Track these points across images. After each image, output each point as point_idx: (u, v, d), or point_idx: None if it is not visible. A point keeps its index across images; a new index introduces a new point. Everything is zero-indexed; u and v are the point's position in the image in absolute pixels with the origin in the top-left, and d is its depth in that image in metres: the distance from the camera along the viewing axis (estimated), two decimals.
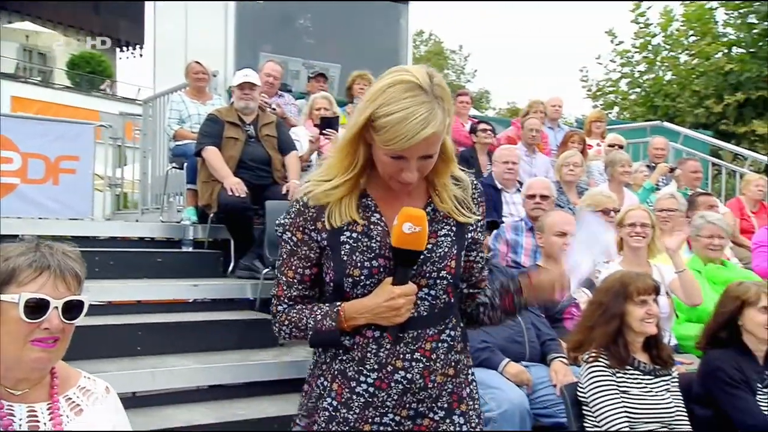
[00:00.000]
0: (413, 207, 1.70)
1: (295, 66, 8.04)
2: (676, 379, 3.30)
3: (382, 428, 1.74)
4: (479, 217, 1.87)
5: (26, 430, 1.78)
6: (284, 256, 1.82)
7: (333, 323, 1.71)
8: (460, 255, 1.80)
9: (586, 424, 3.26)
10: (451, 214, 1.80)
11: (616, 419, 3.10)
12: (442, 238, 1.77)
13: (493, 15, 59.83)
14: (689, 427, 3.24)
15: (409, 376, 1.72)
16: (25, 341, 1.75)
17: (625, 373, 3.19)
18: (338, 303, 1.75)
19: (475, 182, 1.88)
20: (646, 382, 3.20)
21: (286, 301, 1.82)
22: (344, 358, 1.77)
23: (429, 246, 1.71)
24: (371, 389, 1.73)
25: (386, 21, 8.77)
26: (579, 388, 3.27)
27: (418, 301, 1.72)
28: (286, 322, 1.80)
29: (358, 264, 1.72)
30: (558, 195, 5.73)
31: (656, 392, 3.21)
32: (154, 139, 8.14)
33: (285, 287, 1.82)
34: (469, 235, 1.84)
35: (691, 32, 14.27)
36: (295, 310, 1.80)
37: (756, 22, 13.33)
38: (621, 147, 7.51)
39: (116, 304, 4.82)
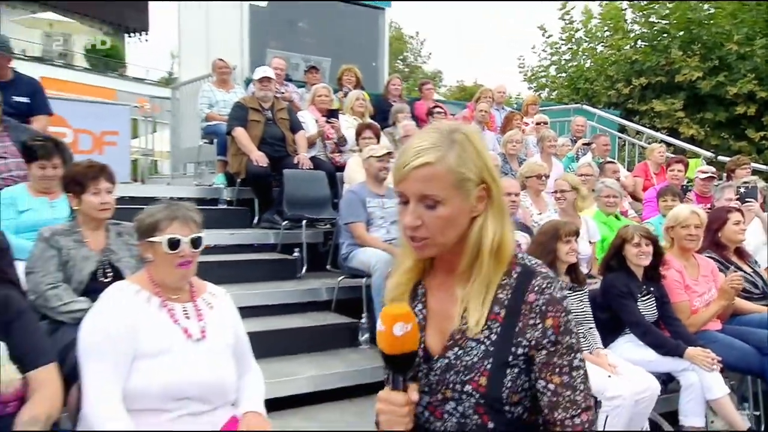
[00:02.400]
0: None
1: (295, 60, 8.18)
2: (587, 294, 3.77)
3: None
4: (540, 333, 1.21)
5: (182, 318, 2.33)
6: None
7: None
8: (499, 372, 1.20)
9: None
10: (473, 329, 1.23)
11: None
12: (473, 345, 1.23)
13: (445, 7, 59.23)
14: (593, 325, 3.70)
15: None
16: (172, 265, 2.30)
17: None
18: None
19: (542, 285, 1.24)
20: (568, 294, 3.72)
21: None
22: None
23: (458, 351, 1.24)
24: None
25: (368, 22, 8.85)
26: None
27: (446, 415, 1.24)
28: None
29: None
30: (503, 164, 6.22)
31: (574, 302, 3.62)
32: (182, 117, 8.41)
33: None
34: (521, 350, 1.21)
35: (606, 28, 14.47)
36: None
37: (656, 21, 13.75)
38: (546, 124, 7.72)
39: None
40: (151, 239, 2.31)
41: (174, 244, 2.27)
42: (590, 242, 4.85)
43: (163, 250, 2.27)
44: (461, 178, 1.21)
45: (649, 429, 3.59)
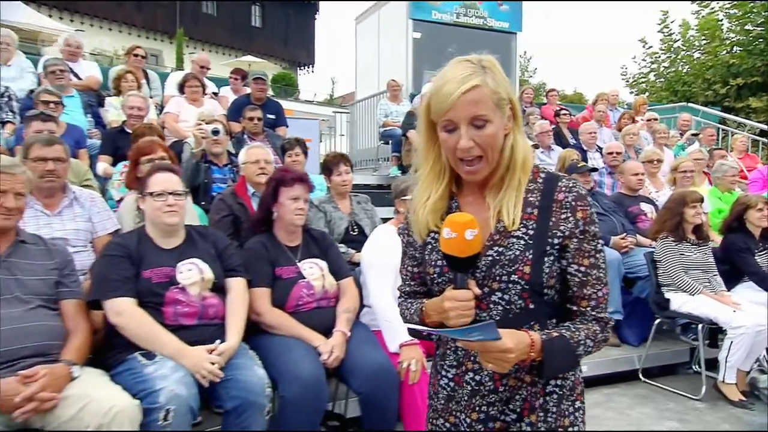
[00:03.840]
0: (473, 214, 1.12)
1: None
2: (710, 248, 3.79)
3: (464, 425, 1.24)
4: (573, 224, 1.16)
5: None
6: (402, 257, 1.36)
7: (417, 318, 1.27)
8: (539, 261, 1.14)
9: (658, 272, 3.76)
10: (510, 227, 1.16)
11: (676, 268, 3.64)
12: (514, 240, 1.15)
13: (549, 26, 57.07)
14: (717, 272, 3.72)
15: (477, 378, 1.20)
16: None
17: (683, 245, 3.68)
18: (425, 300, 1.26)
19: (569, 185, 1.18)
20: (694, 248, 3.70)
21: (402, 295, 1.36)
22: (437, 353, 1.32)
23: (499, 249, 1.16)
24: (451, 384, 1.25)
25: (503, 44, 8.84)
26: (654, 254, 3.78)
27: (491, 305, 1.17)
28: (402, 313, 1.34)
29: (432, 262, 1.23)
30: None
31: (698, 254, 3.70)
32: (358, 126, 9.04)
33: (402, 283, 1.36)
34: (556, 240, 1.16)
35: (703, 38, 13.61)
36: (405, 304, 1.33)
37: (751, 28, 12.63)
38: (656, 120, 7.40)
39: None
40: (403, 198, 2.81)
41: None
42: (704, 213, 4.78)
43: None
44: (499, 98, 1.13)
45: (766, 356, 3.62)
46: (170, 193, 2.25)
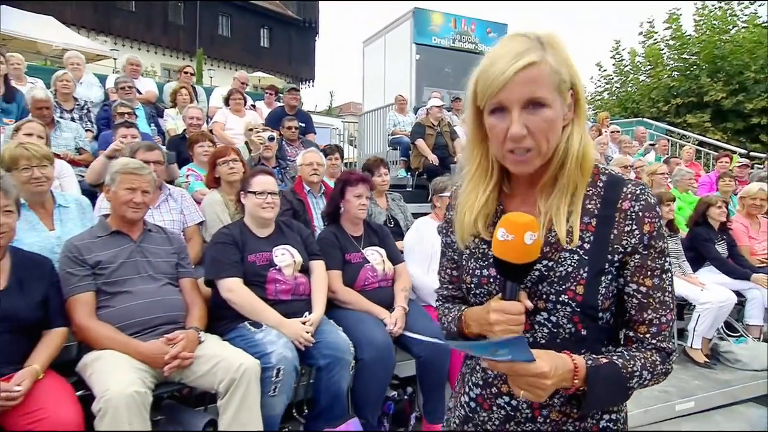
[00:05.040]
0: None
1: (443, 93, 8.54)
2: (679, 238, 3.90)
3: None
4: (637, 239, 0.85)
5: None
6: (440, 257, 1.07)
7: (455, 327, 0.98)
8: (595, 280, 0.85)
9: None
10: (561, 240, 0.86)
11: None
12: (566, 255, 0.86)
13: None
14: (685, 258, 3.82)
15: (513, 402, 0.92)
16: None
17: None
18: (464, 307, 0.98)
19: (636, 192, 0.87)
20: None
21: (440, 298, 1.07)
22: (466, 362, 1.04)
23: (548, 263, 0.87)
24: (472, 404, 0.97)
25: None
26: None
27: (536, 326, 0.88)
28: (440, 318, 1.05)
29: (470, 271, 0.95)
30: None
31: (671, 244, 3.72)
32: (366, 134, 8.96)
33: (439, 286, 1.07)
34: (617, 257, 0.86)
35: (648, 63, 13.98)
36: (443, 308, 1.04)
37: (687, 57, 13.05)
38: (619, 132, 7.58)
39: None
40: (441, 194, 2.90)
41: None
42: None
43: (449, 201, 2.84)
44: (560, 80, 0.82)
45: (723, 326, 3.79)
46: (269, 193, 2.31)
